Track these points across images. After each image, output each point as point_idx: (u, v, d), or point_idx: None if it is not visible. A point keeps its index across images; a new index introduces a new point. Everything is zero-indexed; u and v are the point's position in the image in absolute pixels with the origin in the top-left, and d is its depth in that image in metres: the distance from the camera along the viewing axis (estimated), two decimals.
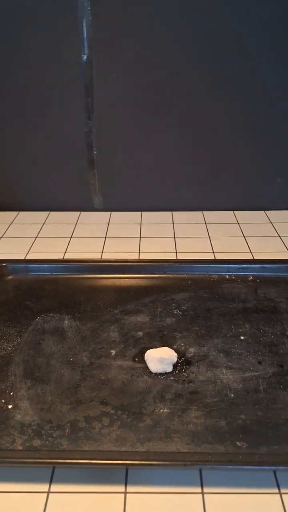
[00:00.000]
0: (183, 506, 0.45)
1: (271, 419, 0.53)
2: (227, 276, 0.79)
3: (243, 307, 0.72)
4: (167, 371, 0.59)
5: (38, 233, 0.95)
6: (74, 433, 0.51)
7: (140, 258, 0.85)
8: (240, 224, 0.97)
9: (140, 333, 0.67)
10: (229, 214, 1.02)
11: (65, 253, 0.87)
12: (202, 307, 0.72)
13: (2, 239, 0.93)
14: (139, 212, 1.03)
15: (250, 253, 0.86)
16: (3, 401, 0.55)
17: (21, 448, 0.50)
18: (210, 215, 1.02)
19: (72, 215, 1.03)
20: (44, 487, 0.47)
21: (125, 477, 0.48)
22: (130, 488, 0.47)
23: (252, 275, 0.79)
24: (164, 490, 0.47)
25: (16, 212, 1.04)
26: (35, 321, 0.69)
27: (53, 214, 1.03)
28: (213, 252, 0.86)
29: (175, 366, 0.60)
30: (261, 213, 1.02)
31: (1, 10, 0.86)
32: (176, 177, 1.02)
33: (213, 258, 0.85)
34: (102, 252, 0.87)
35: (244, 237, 0.92)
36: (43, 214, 1.03)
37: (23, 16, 0.87)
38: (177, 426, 0.52)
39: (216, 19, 0.87)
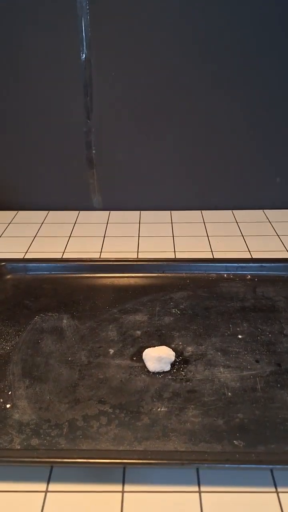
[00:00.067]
0: (181, 505, 0.45)
1: (269, 418, 0.53)
2: (225, 275, 0.79)
3: (241, 306, 0.72)
4: (165, 370, 0.59)
5: (37, 232, 0.95)
6: (72, 432, 0.51)
7: (139, 257, 0.85)
8: (238, 223, 0.97)
9: (138, 332, 0.67)
10: (227, 213, 1.02)
11: (63, 252, 0.87)
12: (201, 306, 0.72)
13: (1, 238, 0.93)
14: (138, 211, 1.04)
15: (248, 252, 0.86)
16: (1, 400, 0.55)
17: (19, 447, 0.50)
18: (209, 214, 1.02)
19: (71, 214, 1.03)
20: (42, 486, 0.47)
21: (123, 476, 0.48)
22: (127, 487, 0.47)
23: (250, 274, 0.79)
24: (162, 489, 0.47)
25: (15, 211, 1.04)
26: (33, 320, 0.69)
27: (52, 213, 1.03)
28: (212, 251, 0.87)
29: (173, 365, 0.60)
30: (259, 212, 1.02)
31: (0, 10, 0.86)
32: (175, 176, 1.02)
33: (212, 257, 0.85)
34: (100, 252, 0.87)
35: (242, 236, 0.92)
36: (42, 213, 1.03)
37: (22, 16, 0.87)
38: (174, 425, 0.52)
39: (216, 19, 0.87)
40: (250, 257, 0.84)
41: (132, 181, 1.03)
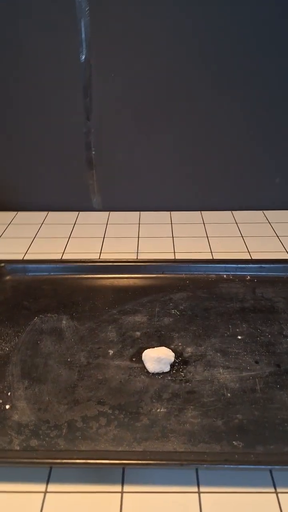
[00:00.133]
0: (180, 505, 0.45)
1: (268, 418, 0.53)
2: (225, 276, 0.79)
3: (241, 306, 0.72)
4: (164, 371, 0.59)
5: (37, 233, 0.95)
6: (71, 433, 0.51)
7: (138, 258, 0.85)
8: (238, 224, 0.97)
9: (138, 333, 0.67)
10: (227, 214, 1.02)
11: (63, 253, 0.87)
12: (200, 306, 0.72)
13: (0, 238, 0.93)
14: (138, 212, 1.04)
15: (248, 253, 0.86)
16: (0, 401, 0.55)
17: (18, 448, 0.50)
18: (209, 215, 1.02)
19: (71, 215, 1.03)
20: (41, 487, 0.47)
21: (122, 477, 0.48)
22: (127, 488, 0.47)
23: (249, 275, 0.79)
24: (161, 489, 0.47)
25: (14, 212, 1.04)
26: (33, 321, 0.69)
27: (52, 214, 1.03)
28: (211, 252, 0.87)
29: (172, 366, 0.60)
30: (259, 213, 1.02)
31: (0, 11, 0.87)
32: (174, 177, 1.02)
33: (211, 258, 0.85)
34: (100, 252, 0.87)
35: (242, 237, 0.92)
36: (42, 214, 1.03)
37: (21, 17, 0.87)
38: (173, 425, 0.52)
39: (216, 19, 0.87)
40: (250, 258, 0.84)
41: (131, 182, 1.03)
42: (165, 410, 0.54)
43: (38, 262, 0.82)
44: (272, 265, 0.80)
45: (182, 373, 0.60)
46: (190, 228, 0.96)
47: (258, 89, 0.93)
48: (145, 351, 0.61)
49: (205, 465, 0.48)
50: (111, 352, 0.63)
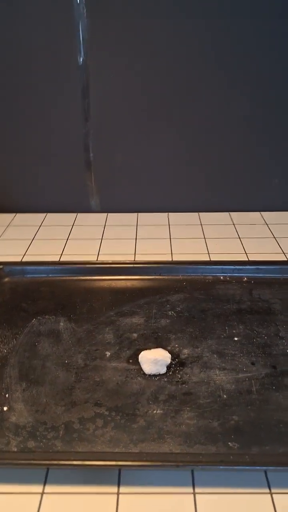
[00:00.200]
0: (175, 506, 0.46)
1: (263, 420, 0.54)
2: (221, 278, 0.80)
3: (238, 308, 0.73)
4: (160, 373, 0.60)
5: (35, 234, 0.95)
6: (68, 434, 0.52)
7: (136, 260, 0.85)
8: (235, 226, 0.98)
9: (135, 335, 0.67)
10: (225, 215, 1.03)
11: (61, 254, 0.88)
12: (197, 308, 0.73)
13: None
14: (136, 213, 1.04)
15: (245, 254, 0.86)
16: None
17: (15, 449, 0.50)
18: (206, 216, 1.02)
19: (69, 216, 1.03)
20: (38, 488, 0.47)
21: (118, 478, 0.48)
22: (123, 489, 0.47)
23: (246, 276, 0.79)
24: (157, 490, 0.47)
25: (13, 214, 1.04)
26: (31, 323, 0.70)
27: (50, 215, 1.04)
28: (208, 254, 0.87)
29: (169, 367, 0.61)
30: (256, 214, 1.03)
31: None
32: (172, 178, 1.03)
33: (208, 259, 0.85)
34: (98, 254, 0.88)
35: (239, 238, 0.92)
36: (40, 215, 1.04)
37: (19, 19, 0.87)
38: (170, 427, 0.53)
39: (215, 21, 0.87)
40: (247, 259, 0.85)
41: (129, 183, 1.03)
42: (162, 411, 0.55)
43: (36, 264, 0.82)
44: (269, 267, 0.80)
45: (178, 375, 0.60)
46: (187, 230, 0.96)
47: (255, 90, 0.93)
48: (142, 352, 0.62)
49: (200, 466, 0.48)
50: (108, 353, 0.64)
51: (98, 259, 0.86)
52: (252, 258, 0.85)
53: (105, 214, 1.04)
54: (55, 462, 0.49)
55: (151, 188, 1.04)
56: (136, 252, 0.88)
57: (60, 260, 0.86)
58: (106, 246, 0.90)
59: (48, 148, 1.00)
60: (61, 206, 1.05)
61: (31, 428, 0.53)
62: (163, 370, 0.60)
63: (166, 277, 0.80)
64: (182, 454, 0.50)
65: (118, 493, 0.47)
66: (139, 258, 0.86)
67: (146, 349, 0.63)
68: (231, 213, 1.03)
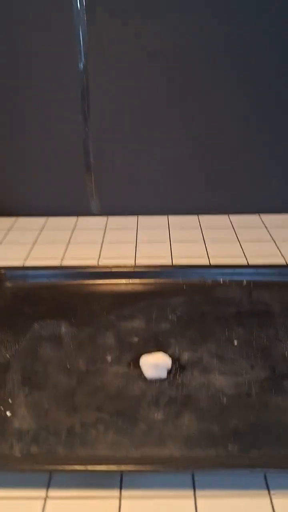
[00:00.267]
0: (176, 509, 0.46)
1: (263, 423, 0.54)
2: (221, 281, 0.80)
3: (237, 311, 0.73)
4: (161, 377, 0.60)
5: (36, 239, 0.96)
6: (70, 439, 0.53)
7: (136, 263, 0.86)
8: (235, 229, 0.98)
9: (136, 339, 0.68)
10: (224, 218, 1.03)
11: (62, 258, 0.88)
12: (197, 311, 0.73)
13: (0, 245, 0.94)
14: (136, 216, 1.05)
15: (244, 258, 0.87)
16: (1, 408, 0.56)
17: (19, 454, 0.51)
18: (205, 219, 1.03)
19: (70, 220, 1.04)
20: (42, 492, 0.48)
21: (120, 482, 0.49)
22: (124, 493, 0.48)
23: (246, 279, 0.80)
24: (158, 494, 0.48)
25: (14, 218, 1.05)
26: (32, 327, 0.70)
27: (51, 219, 1.04)
28: (208, 257, 0.88)
29: (169, 371, 0.61)
30: (256, 217, 1.03)
31: None
32: (172, 181, 1.03)
33: (208, 262, 0.86)
34: (99, 258, 0.88)
35: (239, 241, 0.93)
36: (41, 219, 1.04)
37: (19, 24, 0.88)
38: (170, 431, 0.54)
39: (213, 25, 0.87)
40: (246, 262, 0.86)
41: (129, 186, 1.04)
42: (162, 415, 0.55)
43: (37, 269, 0.83)
44: (268, 270, 0.81)
45: (178, 379, 0.61)
46: (187, 233, 0.97)
47: (253, 92, 0.94)
48: (143, 357, 0.62)
49: (201, 470, 0.49)
50: (109, 358, 0.64)
51: (99, 263, 0.87)
52: (251, 261, 0.86)
53: (106, 217, 1.05)
54: (58, 466, 0.50)
55: (150, 190, 1.04)
56: (136, 256, 0.89)
57: (61, 264, 0.87)
58: (107, 250, 0.91)
59: (48, 152, 1.00)
60: (62, 209, 1.06)
61: (33, 433, 0.53)
62: (164, 374, 0.61)
63: (166, 281, 0.80)
64: (182, 458, 0.50)
65: (120, 497, 0.48)
66: (139, 262, 0.87)
67: (146, 353, 0.63)
68: (230, 216, 1.04)
